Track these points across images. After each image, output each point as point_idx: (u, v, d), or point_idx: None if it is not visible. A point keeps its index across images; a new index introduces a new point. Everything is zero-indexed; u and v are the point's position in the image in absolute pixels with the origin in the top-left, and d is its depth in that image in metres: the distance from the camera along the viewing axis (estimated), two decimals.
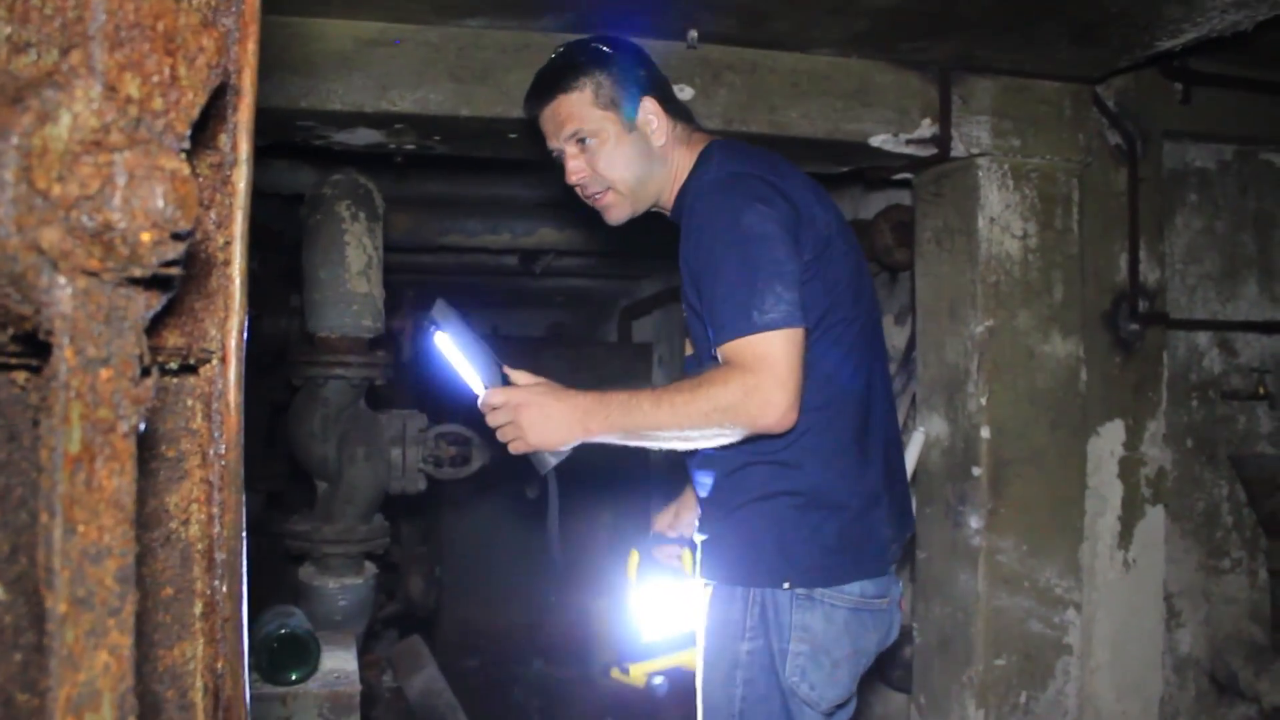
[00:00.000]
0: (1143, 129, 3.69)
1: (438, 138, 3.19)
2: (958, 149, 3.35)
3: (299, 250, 3.43)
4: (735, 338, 1.87)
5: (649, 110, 2.11)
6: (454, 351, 2.05)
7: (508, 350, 2.22)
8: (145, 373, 0.67)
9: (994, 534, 3.37)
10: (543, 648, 5.93)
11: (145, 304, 0.69)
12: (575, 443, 1.97)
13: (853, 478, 2.05)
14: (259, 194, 3.83)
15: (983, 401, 3.37)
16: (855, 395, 2.07)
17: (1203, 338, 3.88)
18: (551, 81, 2.12)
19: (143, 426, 0.66)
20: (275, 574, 3.86)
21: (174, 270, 0.69)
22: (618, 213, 2.19)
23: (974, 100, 3.36)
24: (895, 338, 4.30)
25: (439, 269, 5.91)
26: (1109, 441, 3.66)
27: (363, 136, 3.14)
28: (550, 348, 6.72)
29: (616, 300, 7.69)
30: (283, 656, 2.21)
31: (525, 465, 2.06)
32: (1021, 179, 3.41)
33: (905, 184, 3.79)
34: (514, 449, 2.01)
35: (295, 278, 3.58)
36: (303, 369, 3.31)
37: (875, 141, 3.28)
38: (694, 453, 2.10)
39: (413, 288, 5.07)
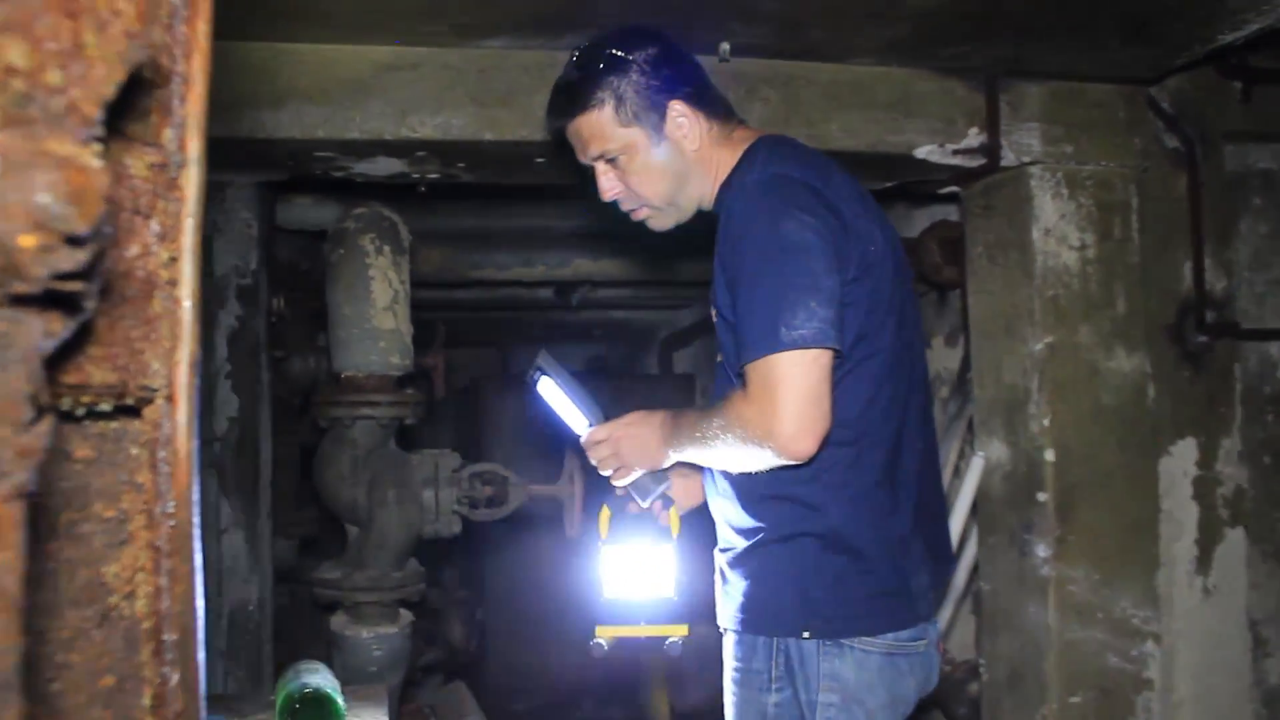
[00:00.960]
0: (1202, 131, 3.50)
1: (462, 165, 3.07)
2: (1007, 158, 3.18)
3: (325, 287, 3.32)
4: (760, 356, 1.72)
5: (678, 115, 1.94)
6: (558, 396, 2.13)
7: None
8: (39, 416, 0.53)
9: (1063, 563, 3.17)
10: (592, 688, 5.74)
11: (42, 330, 0.54)
12: (667, 463, 1.99)
13: (880, 522, 1.89)
14: (284, 231, 3.75)
15: (1045, 423, 3.18)
16: (885, 432, 1.90)
17: (1275, 348, 3.66)
18: (569, 99, 1.98)
19: (33, 485, 0.52)
20: (311, 624, 3.73)
21: (76, 286, 0.55)
22: (659, 224, 2.07)
23: (1023, 106, 3.19)
24: (948, 359, 4.12)
25: (472, 304, 5.80)
26: (1181, 461, 3.45)
27: (384, 166, 3.02)
28: (591, 381, 6.57)
29: (656, 331, 7.53)
30: (305, 717, 2.06)
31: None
32: (1076, 187, 3.23)
33: (952, 198, 3.62)
34: (617, 480, 2.10)
35: (323, 316, 3.47)
36: (328, 409, 3.18)
37: (920, 153, 3.12)
38: (715, 478, 2.01)
39: (445, 323, 4.94)
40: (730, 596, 1.97)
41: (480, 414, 6.32)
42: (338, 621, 3.23)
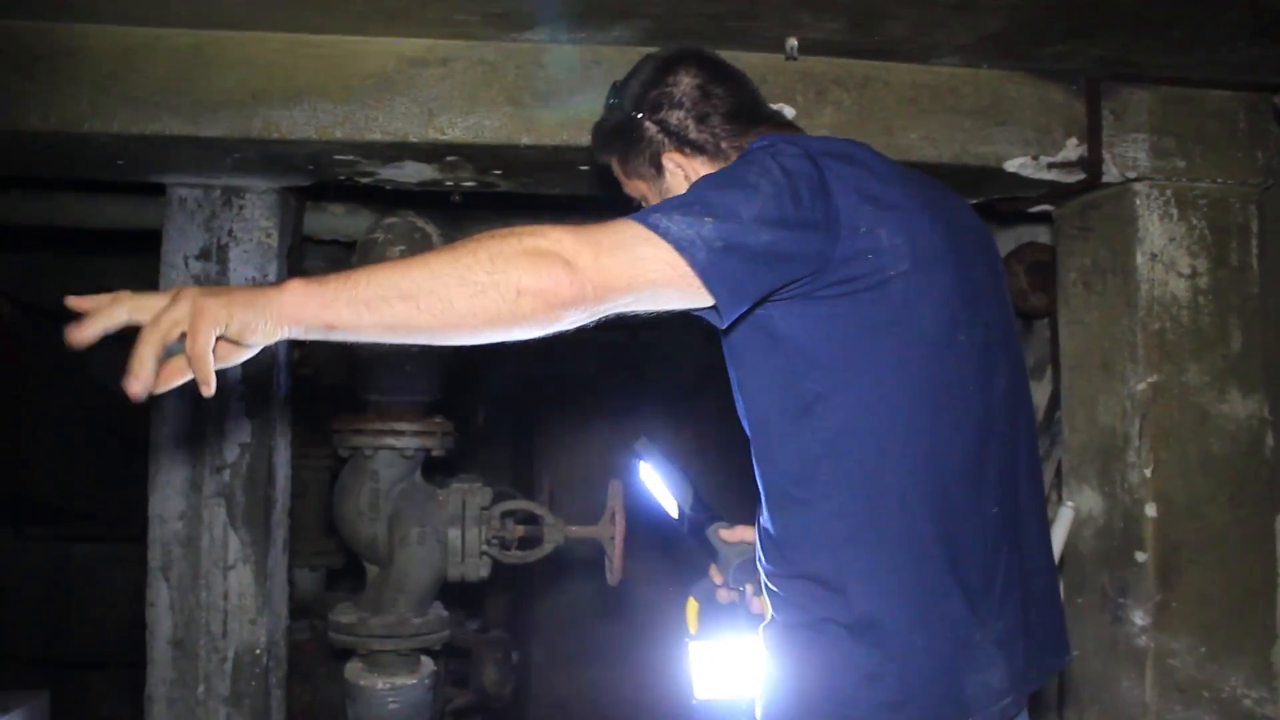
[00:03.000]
0: None
1: (498, 171, 2.78)
2: (1110, 173, 2.82)
3: None
4: (640, 219, 1.40)
5: (673, 167, 1.82)
6: (655, 480, 2.19)
7: None
8: None
9: (1164, 632, 2.79)
10: None
11: None
12: (286, 322, 1.33)
13: (922, 606, 1.52)
14: (314, 242, 3.50)
15: (1146, 473, 2.81)
16: (922, 495, 1.52)
17: None
18: (594, 145, 1.98)
19: None
20: (333, 664, 3.46)
21: None
22: None
23: (1128, 115, 2.83)
24: (1033, 394, 3.75)
25: None
26: None
27: (413, 172, 2.75)
28: (696, 464, 6.23)
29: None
30: None
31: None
32: (1188, 207, 2.86)
33: (1044, 218, 3.26)
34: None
35: None
36: (348, 438, 2.91)
37: (1011, 166, 2.77)
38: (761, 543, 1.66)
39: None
40: (762, 694, 1.64)
41: (532, 427, 6.07)
42: (352, 670, 2.95)
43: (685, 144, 1.79)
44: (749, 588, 1.91)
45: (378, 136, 2.50)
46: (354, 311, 1.29)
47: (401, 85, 2.50)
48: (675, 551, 3.73)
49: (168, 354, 1.28)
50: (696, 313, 1.48)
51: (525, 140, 2.54)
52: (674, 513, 2.12)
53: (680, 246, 1.37)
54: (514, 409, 6.55)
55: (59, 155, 2.65)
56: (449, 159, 2.64)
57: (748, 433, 1.64)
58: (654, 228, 1.37)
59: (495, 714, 4.15)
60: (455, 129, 2.52)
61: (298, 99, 2.47)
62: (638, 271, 1.36)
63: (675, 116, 1.79)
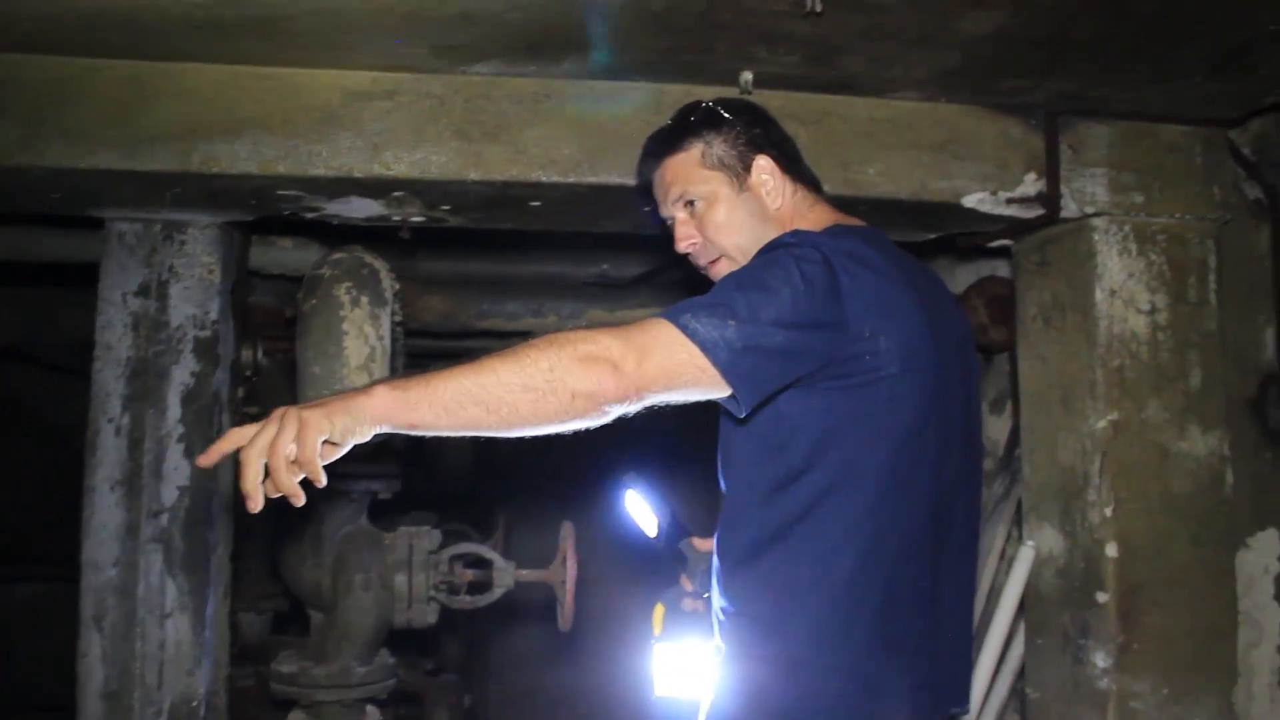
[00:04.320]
0: None
1: (446, 207, 2.70)
2: (1069, 208, 2.79)
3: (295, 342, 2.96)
4: (669, 318, 1.57)
5: (763, 169, 1.92)
6: (638, 507, 2.29)
7: None
8: None
9: (1126, 674, 2.74)
10: None
11: None
12: (373, 420, 1.48)
13: (846, 655, 1.72)
14: (261, 276, 3.40)
15: (1107, 512, 2.77)
16: (871, 567, 1.71)
17: None
18: (660, 143, 1.99)
19: None
20: (276, 715, 3.34)
21: None
22: None
23: (1086, 150, 2.80)
24: (992, 429, 3.71)
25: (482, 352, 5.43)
26: (1262, 555, 3.03)
27: (359, 207, 2.67)
28: (677, 497, 6.15)
29: None
30: None
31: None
32: (1146, 242, 2.84)
33: (1003, 252, 3.23)
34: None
35: None
36: None
37: (969, 201, 2.73)
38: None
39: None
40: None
41: (488, 459, 5.97)
42: None
43: (785, 160, 1.95)
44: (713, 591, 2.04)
45: (321, 171, 2.42)
46: (434, 415, 1.45)
47: (346, 119, 2.43)
48: (636, 590, 3.65)
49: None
50: (718, 400, 1.63)
51: (473, 176, 2.47)
52: (653, 531, 2.25)
53: (706, 348, 1.53)
54: (471, 444, 6.46)
55: None
56: (395, 194, 2.57)
57: (725, 488, 1.83)
58: (684, 329, 1.54)
59: None
60: (401, 164, 2.45)
61: (239, 132, 2.39)
62: (673, 374, 1.54)
63: (770, 136, 1.97)
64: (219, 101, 2.39)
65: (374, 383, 1.51)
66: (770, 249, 1.71)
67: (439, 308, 4.38)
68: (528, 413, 1.47)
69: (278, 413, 1.42)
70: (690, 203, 1.93)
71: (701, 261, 1.98)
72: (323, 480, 1.45)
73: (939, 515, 1.78)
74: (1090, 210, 2.80)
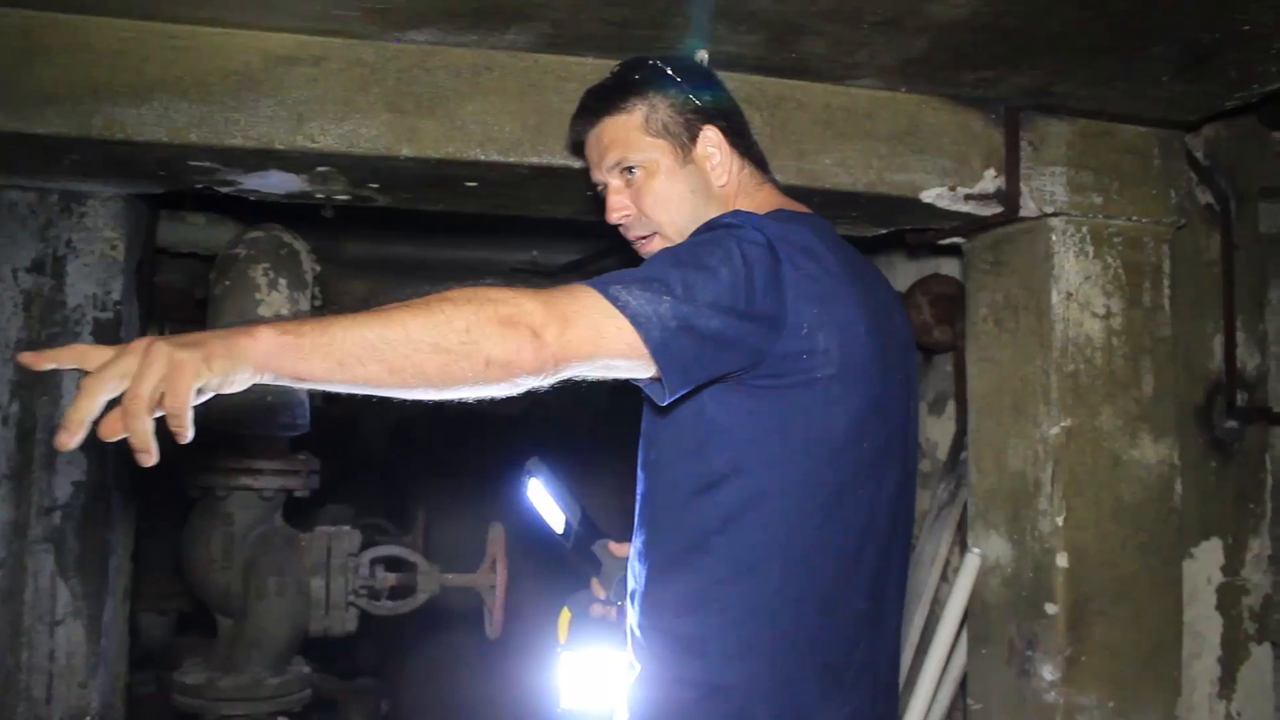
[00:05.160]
0: (1237, 186, 3.07)
1: (374, 185, 2.51)
2: (1027, 207, 2.69)
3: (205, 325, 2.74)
4: (597, 287, 1.40)
5: (710, 141, 1.77)
6: (543, 499, 2.13)
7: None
8: None
9: (1073, 688, 2.66)
10: None
11: None
12: (258, 367, 1.24)
13: (775, 682, 1.57)
14: (170, 254, 3.16)
15: (1059, 521, 2.68)
16: (799, 584, 1.57)
17: None
18: (599, 100, 1.81)
19: None
20: None
21: None
22: None
23: (1046, 147, 2.71)
24: (932, 430, 3.63)
25: None
26: (1205, 565, 2.99)
27: (279, 182, 2.46)
28: (585, 487, 5.95)
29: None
30: None
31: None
32: (1103, 244, 2.75)
33: (951, 250, 3.13)
34: None
35: None
36: (198, 476, 2.59)
37: (927, 196, 2.62)
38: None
39: None
40: None
41: (407, 450, 5.77)
42: None
43: (734, 134, 1.79)
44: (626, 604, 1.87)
45: (239, 142, 2.21)
46: (327, 368, 1.24)
47: (268, 85, 2.22)
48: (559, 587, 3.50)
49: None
50: (637, 383, 1.48)
51: (406, 152, 2.28)
52: (560, 528, 2.10)
53: (638, 323, 1.37)
54: (388, 431, 6.24)
55: None
56: (320, 169, 2.37)
57: (642, 486, 1.67)
58: (614, 300, 1.37)
59: None
60: (327, 137, 2.25)
61: (147, 96, 2.17)
62: (597, 345, 1.37)
63: (721, 106, 1.80)
64: (124, 61, 2.16)
65: (258, 322, 1.28)
66: (710, 227, 1.57)
67: (359, 292, 4.20)
68: (435, 375, 1.29)
69: (140, 343, 1.16)
70: (628, 169, 1.77)
71: (632, 235, 1.83)
72: (190, 434, 1.17)
73: (878, 531, 1.64)
74: (1049, 209, 2.70)
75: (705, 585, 1.56)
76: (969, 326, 3.02)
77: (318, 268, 2.93)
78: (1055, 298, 2.72)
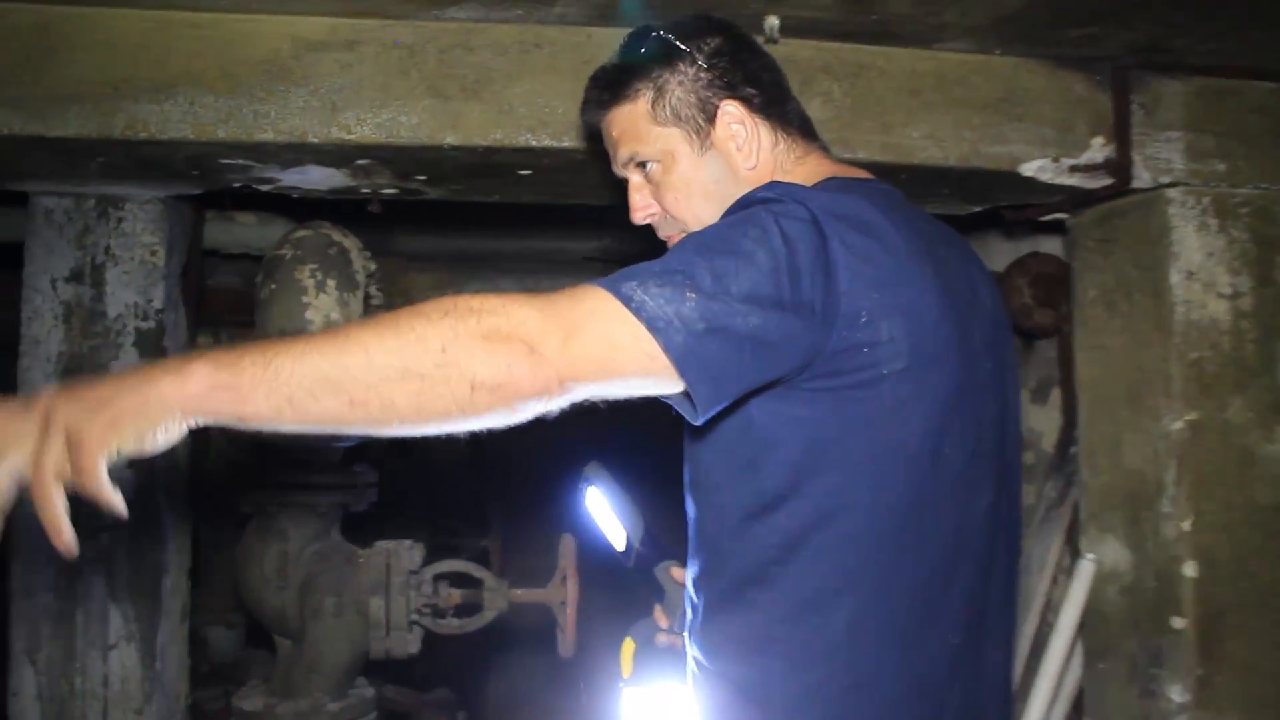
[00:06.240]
0: None
1: (421, 177, 2.33)
2: (1140, 177, 2.42)
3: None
4: (607, 286, 1.18)
5: (731, 118, 1.50)
6: (602, 508, 2.00)
7: None
8: None
9: (1207, 712, 2.39)
10: None
11: None
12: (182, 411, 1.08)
13: None
14: (222, 256, 3.04)
15: (1185, 526, 2.41)
16: (874, 618, 1.33)
17: None
18: (602, 89, 1.59)
19: None
20: None
21: None
22: None
23: (1161, 110, 2.43)
24: (1036, 419, 3.35)
25: None
26: None
27: (320, 178, 2.30)
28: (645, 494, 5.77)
29: None
30: None
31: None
32: (1228, 216, 2.47)
33: (1053, 227, 2.86)
34: None
35: None
36: (250, 493, 2.45)
37: (1028, 169, 2.36)
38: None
39: None
40: None
41: (495, 452, 5.63)
42: None
43: (755, 97, 1.52)
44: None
45: (270, 136, 2.05)
46: (273, 407, 1.07)
47: (298, 74, 2.06)
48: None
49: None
50: (666, 400, 1.25)
51: (450, 140, 2.10)
52: (621, 545, 1.95)
53: (656, 328, 1.15)
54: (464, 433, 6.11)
55: None
56: (359, 162, 2.20)
57: (693, 514, 1.47)
58: (627, 300, 1.15)
59: None
60: (365, 126, 2.07)
61: (170, 91, 2.02)
62: (609, 361, 1.16)
63: (744, 68, 1.53)
64: (146, 55, 2.01)
65: (189, 358, 1.10)
66: (743, 204, 1.34)
67: (426, 286, 4.06)
68: (407, 407, 1.09)
69: (38, 408, 1.03)
70: (643, 165, 1.56)
71: (663, 235, 1.62)
72: (122, 509, 1.07)
73: (971, 550, 1.40)
74: (1165, 180, 2.43)
75: (765, 624, 1.34)
76: (1076, 310, 2.75)
77: (371, 266, 2.77)
78: (1174, 277, 2.44)
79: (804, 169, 1.52)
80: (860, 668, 1.32)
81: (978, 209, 2.71)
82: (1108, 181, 2.43)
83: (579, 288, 1.18)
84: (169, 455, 2.50)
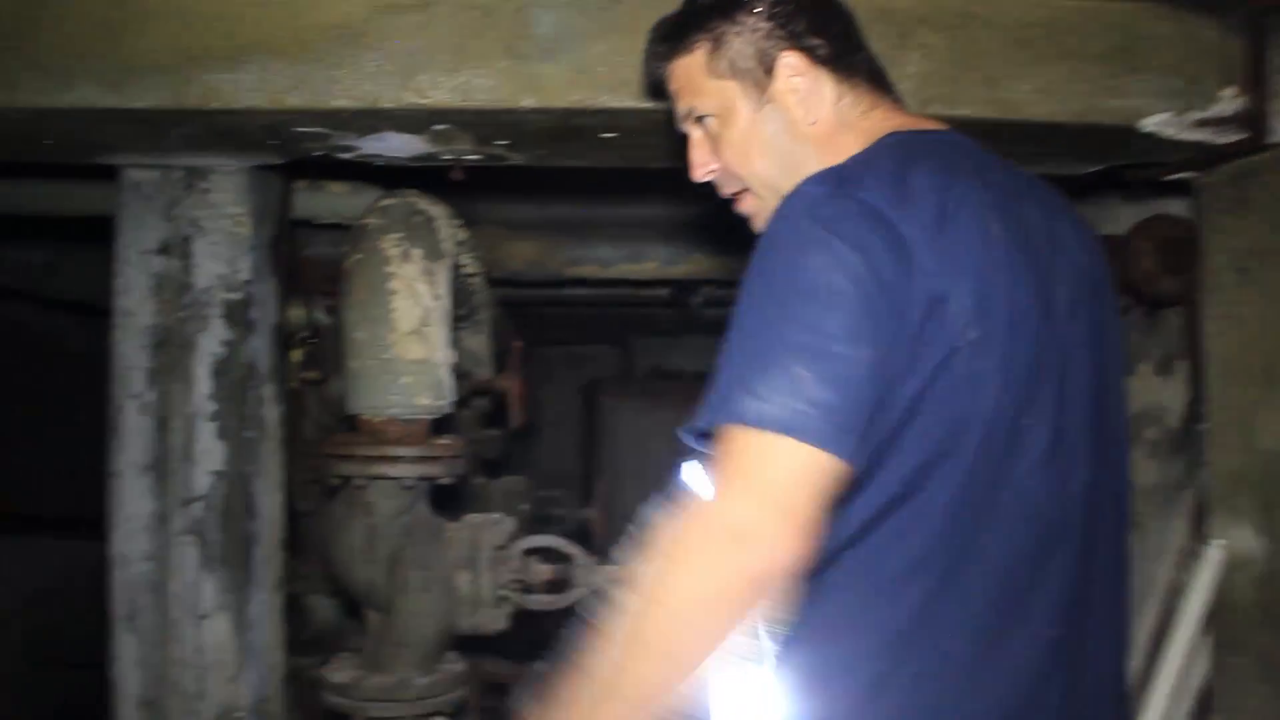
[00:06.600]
0: None
1: (502, 142, 2.26)
2: (1277, 132, 2.22)
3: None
4: (713, 422, 1.20)
5: (792, 70, 1.43)
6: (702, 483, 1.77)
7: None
8: None
9: None
10: None
11: None
12: None
13: None
14: (315, 226, 3.02)
15: None
16: (949, 612, 1.26)
17: None
18: (662, 40, 1.56)
19: None
20: None
21: None
22: (763, 223, 1.44)
23: None
24: (1160, 392, 3.15)
25: (583, 299, 5.01)
26: None
27: (399, 145, 2.25)
28: None
29: None
30: None
31: None
32: None
33: (1179, 187, 2.66)
34: None
35: None
36: (336, 465, 2.43)
37: (1149, 125, 2.19)
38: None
39: (549, 318, 4.22)
40: None
41: (599, 421, 5.60)
42: None
43: (820, 48, 1.45)
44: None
45: (342, 103, 2.00)
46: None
47: (370, 36, 2.00)
48: None
49: None
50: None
51: (528, 103, 2.03)
52: None
53: (805, 434, 1.14)
54: (575, 392, 6.09)
55: None
56: (437, 128, 2.14)
57: None
58: (758, 421, 1.15)
59: None
60: (439, 90, 2.01)
61: (242, 59, 1.99)
62: (809, 497, 1.16)
63: (809, 18, 1.46)
64: (218, 23, 1.98)
65: None
66: (787, 223, 1.25)
67: (527, 254, 4.03)
68: (705, 653, 1.18)
69: None
70: (702, 119, 1.51)
71: (724, 193, 1.58)
72: None
73: (1068, 533, 1.31)
74: None
75: (830, 611, 1.29)
76: (1205, 277, 2.55)
77: (462, 234, 2.73)
78: None
79: (868, 123, 1.43)
80: (929, 658, 1.26)
81: (1094, 169, 2.53)
82: (1240, 136, 2.23)
83: (720, 457, 1.18)
84: (260, 425, 2.52)
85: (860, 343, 1.16)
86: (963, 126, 1.50)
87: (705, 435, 1.24)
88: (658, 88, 1.61)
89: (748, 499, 1.15)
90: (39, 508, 4.17)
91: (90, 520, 2.61)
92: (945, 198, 1.23)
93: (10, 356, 3.96)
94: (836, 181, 1.25)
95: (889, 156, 1.32)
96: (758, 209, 1.52)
